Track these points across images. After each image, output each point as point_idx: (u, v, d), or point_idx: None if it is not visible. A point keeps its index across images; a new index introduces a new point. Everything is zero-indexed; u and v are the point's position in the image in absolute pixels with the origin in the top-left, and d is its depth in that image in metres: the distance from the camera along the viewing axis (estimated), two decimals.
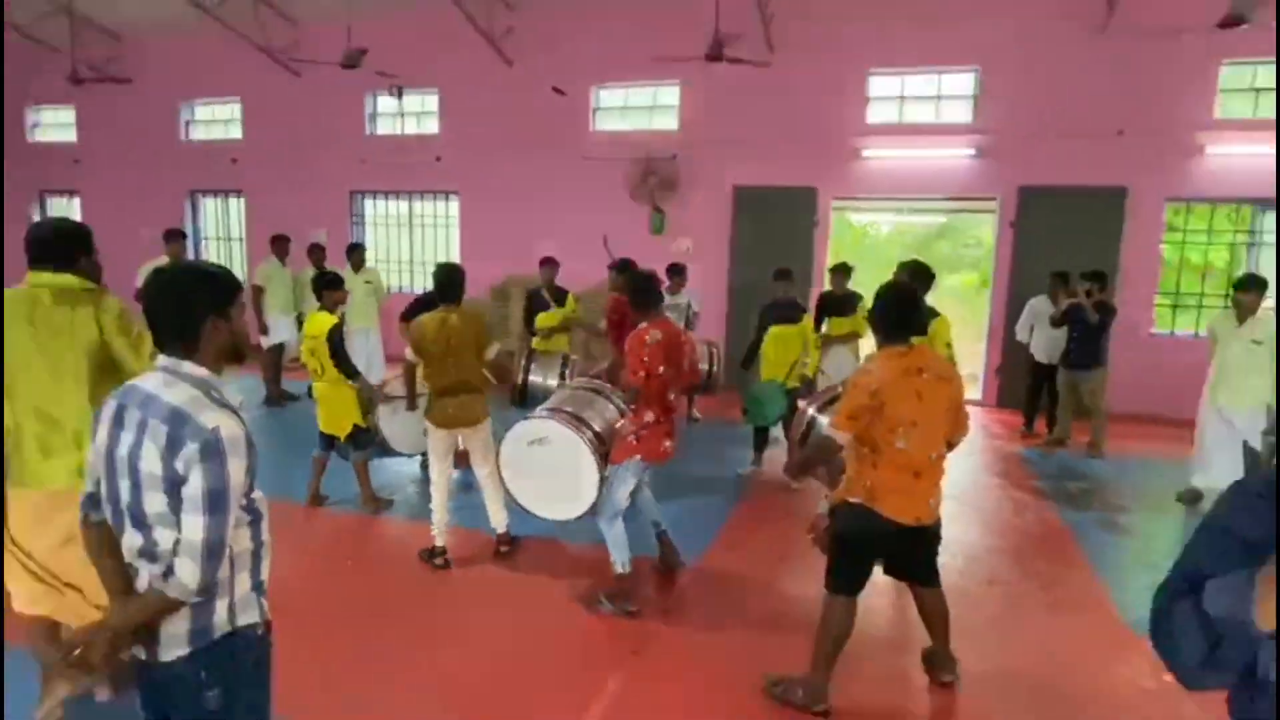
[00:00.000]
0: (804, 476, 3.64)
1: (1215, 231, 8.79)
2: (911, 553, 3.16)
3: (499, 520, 4.52)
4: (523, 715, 3.08)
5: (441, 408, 4.30)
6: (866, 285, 4.68)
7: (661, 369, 3.79)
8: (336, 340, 4.88)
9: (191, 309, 1.67)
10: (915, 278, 4.32)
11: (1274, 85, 8.09)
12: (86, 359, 2.61)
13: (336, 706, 3.07)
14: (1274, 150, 7.91)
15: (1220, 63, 8.10)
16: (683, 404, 4.15)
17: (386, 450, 5.46)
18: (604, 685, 3.26)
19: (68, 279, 2.64)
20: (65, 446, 2.62)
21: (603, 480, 4.08)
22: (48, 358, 2.59)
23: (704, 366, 7.01)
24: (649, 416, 3.86)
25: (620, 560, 3.96)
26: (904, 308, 3.04)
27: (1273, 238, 8.35)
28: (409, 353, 4.31)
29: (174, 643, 1.66)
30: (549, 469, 4.30)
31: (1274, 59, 7.93)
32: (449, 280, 4.33)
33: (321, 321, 4.94)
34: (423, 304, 6.14)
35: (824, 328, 6.80)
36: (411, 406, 4.66)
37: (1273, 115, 8.04)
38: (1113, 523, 5.44)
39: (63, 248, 2.68)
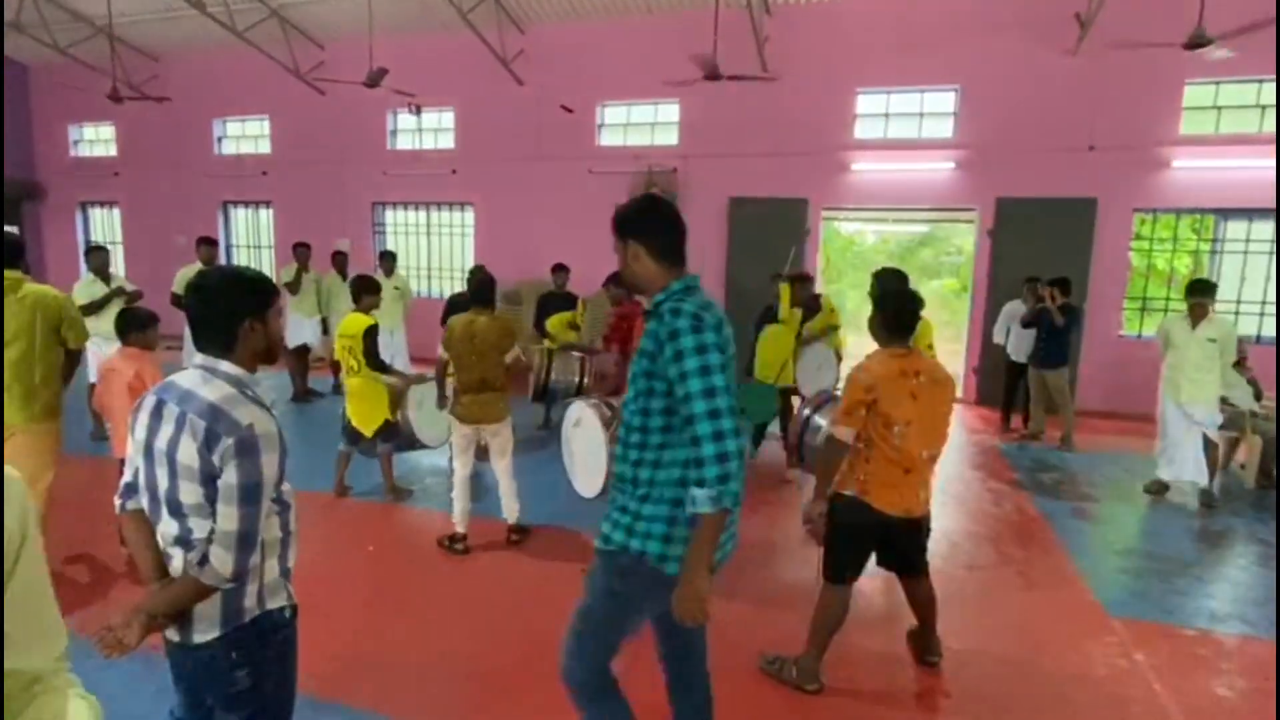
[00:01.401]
0: (826, 483, 3.51)
1: (1180, 240, 8.76)
2: (902, 544, 3.12)
3: (511, 511, 4.50)
4: (530, 692, 3.06)
5: (465, 405, 4.27)
6: (858, 290, 4.65)
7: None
8: (372, 340, 4.90)
9: (231, 312, 1.66)
10: (890, 283, 4.27)
11: (1238, 103, 8.09)
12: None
13: (358, 683, 3.05)
14: (1234, 164, 7.91)
15: (1185, 82, 8.07)
16: None
17: (414, 443, 5.41)
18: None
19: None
20: None
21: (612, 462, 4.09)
22: None
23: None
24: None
25: None
26: (905, 313, 2.97)
27: (1234, 245, 8.33)
28: (441, 350, 4.30)
29: (206, 625, 1.64)
30: (583, 448, 4.39)
31: (1236, 78, 7.93)
32: (480, 285, 4.34)
33: (358, 322, 4.95)
34: (454, 306, 6.23)
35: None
36: (442, 401, 4.60)
37: (1234, 131, 8.03)
38: (1084, 511, 5.41)
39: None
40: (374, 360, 4.92)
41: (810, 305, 6.55)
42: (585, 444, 4.44)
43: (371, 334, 4.90)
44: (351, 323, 4.98)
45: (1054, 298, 6.80)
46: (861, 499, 2.93)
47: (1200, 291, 5.33)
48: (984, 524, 5.12)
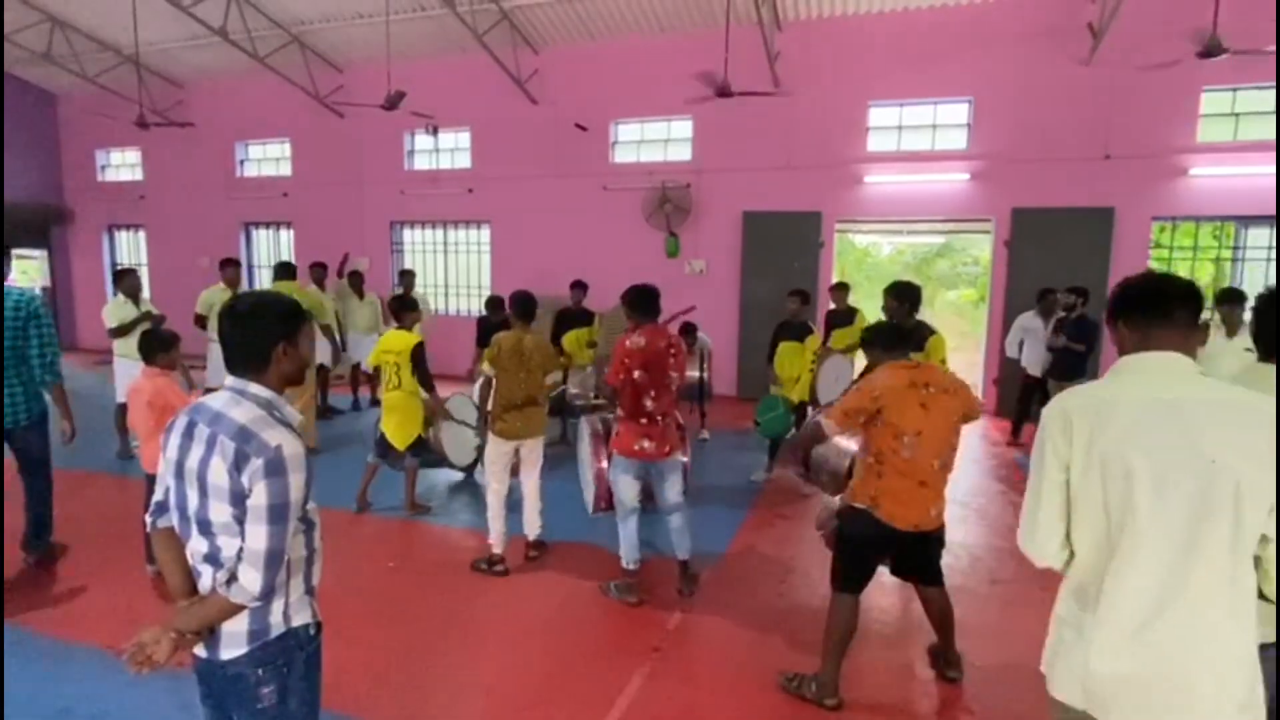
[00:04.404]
0: (814, 468, 3.76)
1: (1200, 248, 8.66)
2: (914, 555, 3.13)
3: (533, 527, 4.52)
4: (551, 708, 3.06)
5: (510, 420, 4.30)
6: (871, 301, 4.66)
7: (637, 373, 3.75)
8: (420, 357, 5.03)
9: (265, 336, 1.70)
10: (902, 296, 4.29)
11: (1256, 109, 8.02)
12: None
13: (381, 699, 3.07)
14: (1254, 170, 7.82)
15: (1201, 89, 8.01)
16: (675, 412, 4.08)
17: (442, 461, 5.55)
18: (629, 680, 3.24)
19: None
20: None
21: (600, 477, 4.19)
22: None
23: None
24: (620, 412, 3.87)
25: (627, 557, 3.96)
26: (890, 331, 3.16)
27: (1256, 253, 8.23)
28: (487, 367, 4.34)
29: (233, 642, 1.67)
30: (581, 465, 4.56)
31: (1254, 85, 7.86)
32: (524, 305, 4.40)
33: (403, 339, 5.07)
34: (485, 328, 6.46)
35: (829, 341, 6.81)
36: (483, 420, 4.59)
37: (1252, 138, 7.95)
38: None
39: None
40: (424, 376, 5.07)
41: (844, 318, 6.60)
42: (584, 461, 4.51)
43: (421, 350, 5.04)
44: (395, 339, 5.09)
45: (1074, 306, 6.85)
46: (871, 512, 2.94)
47: (1231, 300, 5.23)
48: (1006, 537, 5.06)
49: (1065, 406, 1.67)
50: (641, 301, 3.89)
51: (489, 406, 4.38)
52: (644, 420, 3.82)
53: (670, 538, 4.15)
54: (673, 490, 4.01)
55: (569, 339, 7.11)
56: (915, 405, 2.87)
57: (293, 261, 7.49)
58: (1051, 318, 7.20)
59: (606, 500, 4.20)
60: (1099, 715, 1.64)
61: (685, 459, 4.13)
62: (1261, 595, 1.55)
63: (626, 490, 3.91)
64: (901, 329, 3.16)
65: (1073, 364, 6.87)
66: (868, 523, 2.95)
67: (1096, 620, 1.61)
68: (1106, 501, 1.58)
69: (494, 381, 4.38)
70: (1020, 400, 7.68)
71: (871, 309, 4.85)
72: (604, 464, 4.18)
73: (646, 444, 3.83)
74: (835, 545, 3.11)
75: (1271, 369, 2.14)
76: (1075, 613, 1.69)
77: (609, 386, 3.84)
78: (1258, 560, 1.52)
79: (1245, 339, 5.18)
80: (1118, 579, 1.58)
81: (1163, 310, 1.66)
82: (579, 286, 7.55)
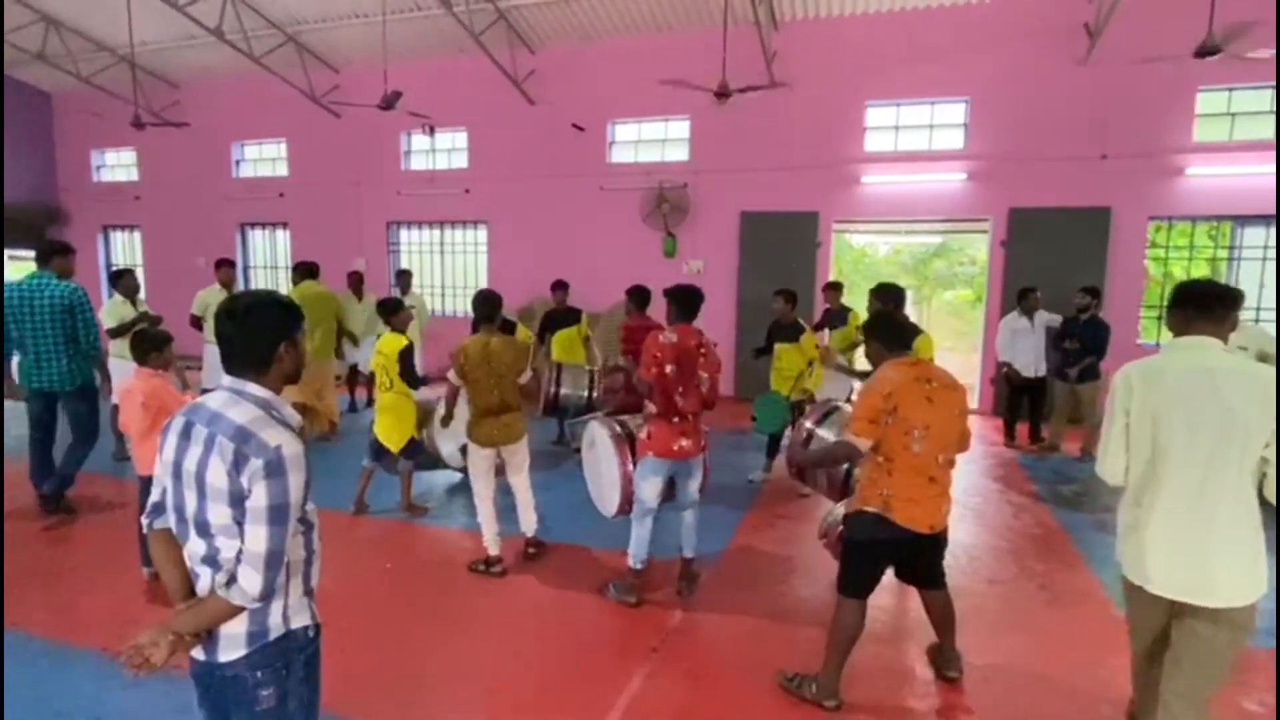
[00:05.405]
0: (810, 470, 3.83)
1: (1197, 247, 8.69)
2: (921, 558, 3.12)
3: (529, 524, 4.52)
4: (550, 710, 3.06)
5: (486, 428, 4.23)
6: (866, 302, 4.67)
7: (669, 368, 3.74)
8: (408, 358, 5.04)
9: (268, 335, 1.69)
10: (885, 298, 4.34)
11: (1252, 109, 8.04)
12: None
13: (380, 701, 3.06)
14: (1250, 170, 7.84)
15: (1197, 89, 8.04)
16: (700, 411, 4.07)
17: (437, 463, 5.54)
18: (627, 681, 3.23)
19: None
20: None
21: (627, 481, 4.13)
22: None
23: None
24: (651, 409, 3.85)
25: (635, 556, 3.95)
26: (893, 325, 3.15)
27: (1252, 253, 8.25)
28: (452, 375, 4.25)
29: (232, 644, 1.66)
30: (597, 469, 4.48)
31: (1249, 85, 7.88)
32: (487, 305, 4.26)
33: (393, 341, 5.08)
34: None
35: (828, 340, 6.81)
36: (445, 423, 4.63)
37: (1248, 138, 7.98)
38: (1105, 523, 5.33)
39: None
40: (411, 377, 5.05)
41: (839, 317, 6.60)
42: (601, 464, 4.46)
43: (408, 353, 5.03)
44: (387, 342, 5.09)
45: (1087, 307, 6.85)
46: (884, 515, 2.91)
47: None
48: (1004, 537, 5.07)
49: (1129, 371, 2.34)
50: (686, 299, 3.92)
51: (453, 410, 4.42)
52: (677, 419, 3.83)
53: (675, 536, 4.15)
54: (694, 486, 4.04)
55: (559, 339, 7.10)
56: (923, 400, 2.87)
57: (311, 262, 7.45)
58: (1034, 315, 7.20)
59: (630, 504, 4.17)
60: (1147, 586, 2.33)
61: (705, 455, 4.16)
62: (1263, 502, 2.24)
63: (650, 491, 3.90)
64: (899, 322, 3.16)
65: (1089, 366, 6.87)
66: (881, 528, 2.92)
67: (1147, 522, 2.31)
68: (1154, 437, 2.27)
69: (458, 392, 4.35)
70: (1010, 403, 7.67)
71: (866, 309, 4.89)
72: (630, 467, 4.15)
73: (685, 442, 3.84)
74: (844, 552, 3.10)
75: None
76: (1133, 517, 2.38)
77: (644, 383, 3.81)
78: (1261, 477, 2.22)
79: (1238, 338, 5.20)
80: (1160, 493, 2.28)
81: (1205, 305, 2.29)
82: (561, 287, 7.52)
